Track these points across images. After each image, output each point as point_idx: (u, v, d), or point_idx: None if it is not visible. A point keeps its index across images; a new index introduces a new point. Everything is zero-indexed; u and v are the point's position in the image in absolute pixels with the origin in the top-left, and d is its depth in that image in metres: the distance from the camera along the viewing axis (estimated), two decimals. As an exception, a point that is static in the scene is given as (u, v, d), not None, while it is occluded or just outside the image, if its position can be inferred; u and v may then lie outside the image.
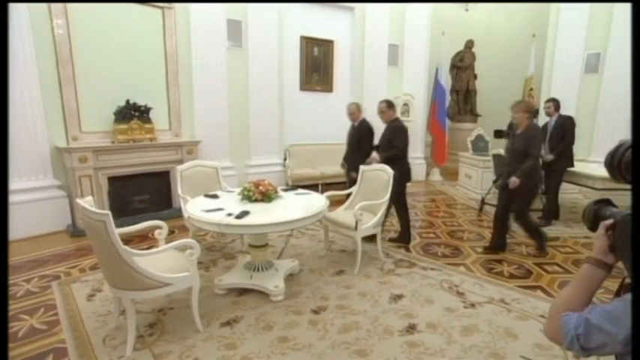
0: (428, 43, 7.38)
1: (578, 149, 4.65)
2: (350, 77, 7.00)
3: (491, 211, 5.13)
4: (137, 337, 2.27)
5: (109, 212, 1.97)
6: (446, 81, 7.60)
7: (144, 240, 3.94)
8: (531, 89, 7.37)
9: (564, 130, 4.39)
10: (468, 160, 6.38)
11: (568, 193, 5.58)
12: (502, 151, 5.11)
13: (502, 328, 2.45)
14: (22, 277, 3.16)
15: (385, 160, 3.69)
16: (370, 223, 3.29)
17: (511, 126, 4.58)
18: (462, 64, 7.95)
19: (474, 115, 8.12)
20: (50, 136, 4.24)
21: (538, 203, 4.70)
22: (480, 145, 6.51)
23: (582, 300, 0.87)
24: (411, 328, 2.44)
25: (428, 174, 7.78)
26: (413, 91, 7.12)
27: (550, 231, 4.40)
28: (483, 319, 2.56)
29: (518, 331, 2.42)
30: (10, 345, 2.25)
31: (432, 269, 3.35)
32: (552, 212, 4.65)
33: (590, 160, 5.81)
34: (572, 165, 4.49)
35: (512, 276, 3.25)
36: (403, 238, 3.97)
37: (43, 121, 4.14)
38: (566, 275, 3.26)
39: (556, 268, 3.43)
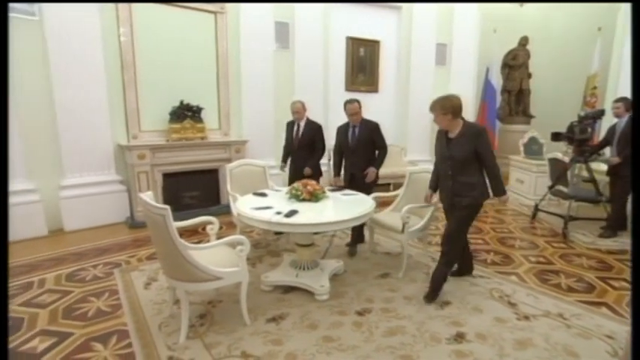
0: (478, 42, 7.06)
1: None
2: (396, 77, 6.88)
3: (545, 218, 4.83)
4: (189, 326, 2.37)
5: (168, 207, 2.08)
6: (497, 80, 7.25)
7: (193, 234, 4.12)
8: (594, 88, 6.81)
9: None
10: (520, 164, 6.02)
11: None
12: (559, 155, 4.77)
13: (560, 344, 2.28)
14: (90, 263, 3.44)
15: (381, 166, 3.63)
16: (417, 226, 3.21)
17: (572, 129, 4.27)
18: (515, 63, 7.50)
19: (526, 117, 7.65)
20: (114, 135, 4.57)
21: (602, 212, 4.34)
22: (533, 149, 6.14)
23: None
24: (459, 337, 2.35)
25: (475, 177, 7.46)
26: (461, 92, 6.75)
27: (615, 243, 4.05)
28: (539, 333, 2.40)
29: (579, 349, 2.24)
30: (82, 323, 2.47)
31: (481, 277, 3.20)
32: (618, 223, 4.26)
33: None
34: (643, 171, 4.08)
35: (571, 289, 3.01)
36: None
37: (108, 120, 4.48)
38: (634, 292, 2.97)
39: (624, 284, 3.13)
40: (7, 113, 3.47)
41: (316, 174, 3.92)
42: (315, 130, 3.95)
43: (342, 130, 3.72)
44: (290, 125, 4.14)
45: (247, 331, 2.38)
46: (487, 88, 7.02)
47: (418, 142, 6.94)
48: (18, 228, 3.93)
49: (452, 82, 7.00)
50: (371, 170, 3.58)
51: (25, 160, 4.04)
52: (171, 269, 2.28)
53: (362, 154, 3.60)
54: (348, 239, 3.83)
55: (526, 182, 5.84)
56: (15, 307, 2.66)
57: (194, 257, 2.21)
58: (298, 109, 3.94)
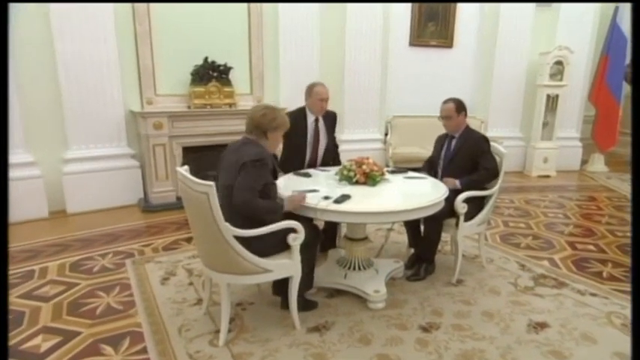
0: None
1: None
2: (478, 27, 6.63)
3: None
4: (214, 331, 2.48)
5: (213, 184, 2.15)
6: (628, 25, 6.63)
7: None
8: None
9: None
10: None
11: None
12: None
13: None
14: (98, 252, 3.69)
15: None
16: (473, 221, 3.15)
17: None
18: (663, -5, 6.76)
19: (669, 77, 7.01)
20: (125, 99, 4.80)
21: None
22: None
23: None
24: (563, 373, 2.26)
25: (585, 162, 7.08)
26: (572, 44, 6.39)
27: None
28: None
29: None
30: (90, 322, 2.65)
31: (593, 295, 3.04)
32: None
33: None
34: None
35: None
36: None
37: (118, 81, 4.70)
38: None
39: None
40: (7, 111, 3.64)
41: None
42: (333, 123, 3.64)
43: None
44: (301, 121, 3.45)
45: (284, 341, 2.44)
46: (613, 35, 6.44)
47: (504, 113, 6.72)
48: (16, 207, 4.14)
49: (560, 31, 6.59)
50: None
51: (24, 128, 4.29)
52: (212, 258, 2.39)
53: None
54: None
55: (661, 170, 5.41)
56: (14, 300, 2.88)
57: (240, 245, 2.27)
58: (327, 95, 3.41)
